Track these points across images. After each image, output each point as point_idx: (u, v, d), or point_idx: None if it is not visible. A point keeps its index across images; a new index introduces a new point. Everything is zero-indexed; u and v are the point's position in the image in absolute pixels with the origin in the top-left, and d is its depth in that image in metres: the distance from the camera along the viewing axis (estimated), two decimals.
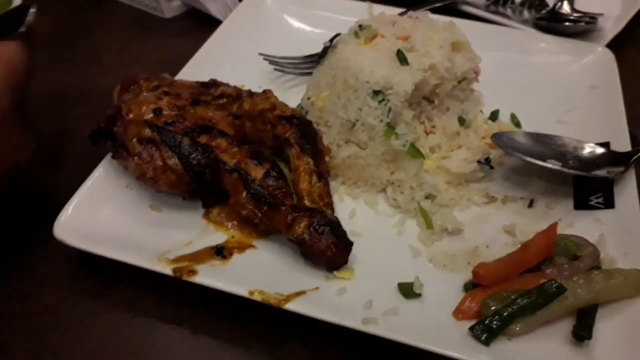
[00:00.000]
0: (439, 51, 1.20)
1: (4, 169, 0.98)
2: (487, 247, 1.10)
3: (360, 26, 1.26)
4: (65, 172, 1.28)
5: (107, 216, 1.10)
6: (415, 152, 1.13)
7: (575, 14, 1.64)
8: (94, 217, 1.08)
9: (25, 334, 1.01)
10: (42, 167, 1.29)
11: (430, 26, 1.26)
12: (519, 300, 0.94)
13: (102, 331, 1.01)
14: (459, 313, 0.97)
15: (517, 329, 0.92)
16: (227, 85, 1.24)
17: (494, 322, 0.92)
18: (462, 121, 1.26)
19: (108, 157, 1.17)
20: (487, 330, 0.92)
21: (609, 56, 1.47)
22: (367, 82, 1.14)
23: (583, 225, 1.11)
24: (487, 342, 0.91)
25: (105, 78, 1.54)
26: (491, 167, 1.22)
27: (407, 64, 1.16)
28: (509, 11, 1.74)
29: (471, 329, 0.93)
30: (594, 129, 1.29)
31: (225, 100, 1.21)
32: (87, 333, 1.01)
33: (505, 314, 0.93)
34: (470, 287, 1.01)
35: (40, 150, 1.32)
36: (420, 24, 1.26)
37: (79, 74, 1.59)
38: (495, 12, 1.72)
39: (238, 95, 1.22)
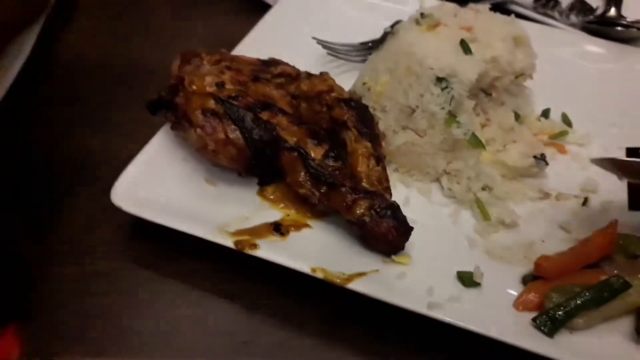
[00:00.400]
0: (501, 44, 1.20)
1: (16, 13, 0.85)
2: (543, 241, 1.09)
3: (422, 14, 1.25)
4: (115, 140, 1.27)
5: (164, 187, 1.09)
6: (476, 141, 1.12)
7: (625, 21, 1.63)
8: (152, 187, 1.07)
9: (75, 296, 1.00)
10: (94, 135, 1.28)
11: (492, 19, 1.26)
12: (584, 293, 0.93)
13: (153, 302, 1.00)
14: (519, 304, 0.96)
15: (581, 322, 0.92)
16: (287, 64, 1.23)
17: (558, 314, 0.92)
18: (517, 116, 1.26)
19: (164, 128, 1.16)
20: (551, 322, 0.91)
21: None
22: (431, 68, 1.13)
23: (638, 226, 1.10)
24: (550, 334, 0.91)
25: (152, 52, 1.53)
26: (546, 164, 1.21)
27: (471, 53, 1.15)
28: (556, 14, 1.73)
29: (534, 319, 0.92)
30: None
31: (283, 79, 1.21)
32: (138, 302, 1.00)
33: (569, 307, 0.92)
34: (529, 279, 1.00)
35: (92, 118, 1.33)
36: (482, 16, 1.26)
37: (125, 46, 1.58)
38: (544, 14, 1.71)
39: (297, 75, 1.22)
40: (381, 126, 1.21)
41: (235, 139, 1.05)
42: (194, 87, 1.10)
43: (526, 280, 1.01)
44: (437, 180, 1.20)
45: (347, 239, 1.05)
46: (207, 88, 1.10)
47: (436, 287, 0.96)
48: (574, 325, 0.92)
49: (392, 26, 1.31)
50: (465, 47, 1.16)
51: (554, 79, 1.44)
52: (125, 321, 0.97)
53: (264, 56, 1.28)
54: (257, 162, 1.08)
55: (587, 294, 0.93)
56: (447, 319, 0.89)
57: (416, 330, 0.95)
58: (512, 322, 0.93)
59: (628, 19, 1.63)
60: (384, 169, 1.12)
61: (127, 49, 1.57)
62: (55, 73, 1.48)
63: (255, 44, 1.42)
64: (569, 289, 0.95)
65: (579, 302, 0.92)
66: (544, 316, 0.92)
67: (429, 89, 1.14)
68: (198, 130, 1.06)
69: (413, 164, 1.20)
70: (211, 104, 1.06)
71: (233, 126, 1.05)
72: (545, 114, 1.35)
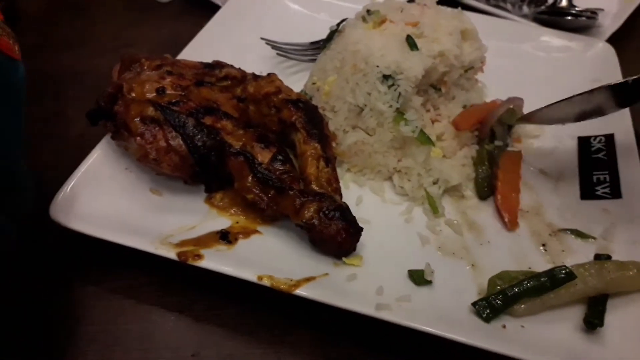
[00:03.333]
0: (448, 38, 1.19)
1: None
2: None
3: (368, 11, 1.24)
4: (60, 154, 1.23)
5: (105, 199, 1.05)
6: (424, 138, 1.11)
7: (575, 10, 1.64)
8: (92, 200, 1.04)
9: (21, 320, 0.96)
10: (35, 149, 1.24)
11: (439, 13, 1.25)
12: (526, 281, 0.94)
13: (102, 318, 0.97)
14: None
15: (522, 309, 0.92)
16: (231, 66, 1.20)
17: (498, 300, 0.92)
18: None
19: (106, 138, 1.13)
20: (489, 307, 0.92)
21: (610, 51, 1.48)
22: (377, 66, 1.12)
23: (590, 215, 1.11)
24: (488, 319, 0.91)
25: (100, 60, 1.49)
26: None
27: (417, 49, 1.14)
28: (508, 5, 1.73)
29: (473, 304, 0.93)
30: (598, 121, 1.27)
31: (229, 82, 1.18)
32: (87, 320, 0.96)
33: (510, 293, 0.93)
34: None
35: (35, 131, 1.28)
36: (429, 11, 1.25)
37: (73, 55, 1.54)
38: (496, 6, 1.72)
39: (242, 77, 1.19)
40: (331, 126, 1.19)
41: (177, 146, 1.02)
42: (133, 94, 1.06)
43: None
44: (390, 178, 1.18)
45: (298, 243, 1.03)
46: (147, 94, 1.06)
47: (387, 288, 0.95)
48: (514, 312, 0.92)
49: (339, 24, 1.28)
50: (411, 43, 1.15)
51: (506, 70, 1.44)
52: (65, 339, 0.94)
53: (213, 59, 1.25)
54: (202, 169, 1.05)
55: (529, 282, 0.93)
56: (395, 319, 0.88)
57: (369, 331, 0.94)
58: (463, 318, 0.92)
59: (577, 8, 1.64)
60: (334, 169, 1.10)
61: (72, 59, 1.52)
62: None
63: (203, 47, 1.39)
64: (512, 276, 0.96)
65: (519, 289, 0.93)
66: (484, 302, 0.92)
67: (376, 87, 1.12)
68: (138, 138, 1.02)
69: (365, 163, 1.18)
70: (150, 111, 1.03)
71: (174, 133, 1.02)
72: None
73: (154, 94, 1.07)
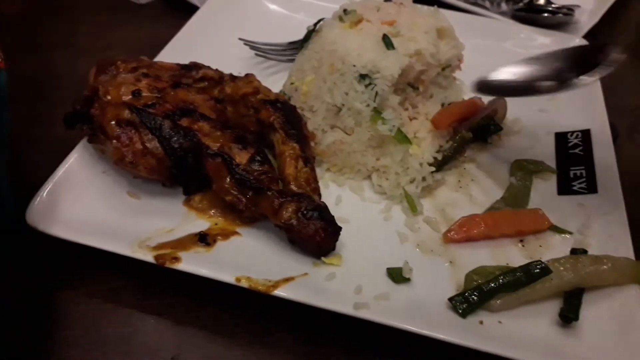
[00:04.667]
0: (424, 37, 1.19)
1: None
2: None
3: (344, 10, 1.24)
4: (38, 157, 1.22)
5: (83, 203, 1.05)
6: (401, 137, 1.12)
7: (551, 6, 1.66)
8: (69, 204, 1.03)
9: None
10: (14, 153, 1.22)
11: (415, 12, 1.26)
12: (502, 277, 0.95)
13: (81, 323, 0.96)
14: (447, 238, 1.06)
15: (498, 304, 0.93)
16: (208, 68, 1.20)
17: (474, 296, 0.93)
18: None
19: (83, 142, 1.12)
20: (465, 302, 0.93)
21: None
22: (354, 65, 1.12)
23: (567, 211, 1.12)
24: (464, 314, 0.92)
25: (78, 63, 1.47)
26: None
27: (394, 48, 1.14)
28: (487, 3, 1.75)
29: (450, 299, 0.94)
30: (575, 117, 1.30)
31: (206, 83, 1.18)
32: (65, 326, 0.95)
33: (486, 288, 0.94)
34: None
35: (13, 135, 1.27)
36: (405, 10, 1.25)
37: (51, 58, 1.52)
38: (474, 4, 1.73)
39: (220, 78, 1.19)
40: (310, 126, 1.19)
41: (154, 148, 1.02)
42: (109, 97, 1.06)
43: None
44: (369, 177, 1.19)
45: (277, 244, 1.03)
46: (123, 97, 1.06)
47: (365, 286, 0.95)
48: (491, 307, 0.93)
49: (316, 24, 1.29)
50: (387, 42, 1.15)
51: (485, 68, 1.43)
52: (44, 345, 0.93)
53: (191, 60, 1.25)
54: (179, 171, 1.05)
55: (504, 277, 0.94)
56: (373, 317, 0.88)
57: (349, 330, 0.94)
58: (441, 315, 0.93)
59: (554, 5, 1.66)
60: (313, 169, 1.11)
61: (49, 62, 1.51)
62: None
63: (181, 48, 1.39)
64: (489, 271, 0.97)
65: (495, 284, 0.94)
66: (460, 297, 0.93)
67: (353, 87, 1.13)
68: (114, 142, 1.02)
69: (344, 163, 1.18)
70: (126, 113, 1.02)
71: (150, 135, 1.02)
72: None
73: (130, 97, 1.06)
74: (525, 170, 1.19)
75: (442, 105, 1.25)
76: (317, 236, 0.98)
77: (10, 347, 0.92)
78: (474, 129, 1.23)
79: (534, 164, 1.20)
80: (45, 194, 1.02)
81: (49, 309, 0.97)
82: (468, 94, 1.35)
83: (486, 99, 1.30)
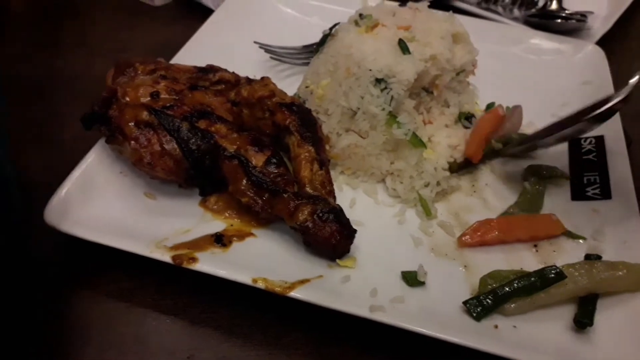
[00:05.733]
0: (440, 42, 1.20)
1: None
2: None
3: (360, 15, 1.25)
4: (55, 157, 1.23)
5: (100, 203, 1.06)
6: (417, 141, 1.12)
7: (564, 12, 1.66)
8: (87, 204, 1.04)
9: (15, 324, 0.96)
10: (31, 152, 1.24)
11: (430, 17, 1.26)
12: (517, 281, 0.95)
13: (98, 323, 0.97)
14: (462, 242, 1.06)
15: (512, 307, 0.94)
16: (225, 70, 1.21)
17: (488, 299, 0.93)
18: (461, 113, 1.26)
19: (100, 142, 1.13)
20: (480, 306, 0.93)
21: (600, 53, 1.49)
22: (370, 70, 1.13)
23: (581, 216, 1.12)
24: (478, 318, 0.93)
25: (93, 64, 1.49)
26: None
27: (409, 53, 1.15)
28: (499, 9, 1.75)
29: (465, 302, 0.94)
30: None
31: (223, 86, 1.19)
32: (82, 325, 0.96)
33: (500, 292, 0.94)
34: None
35: (28, 135, 1.28)
36: (420, 15, 1.26)
37: (66, 59, 1.54)
38: (487, 9, 1.73)
39: (236, 81, 1.20)
40: (325, 129, 1.20)
41: (172, 150, 1.03)
42: (127, 99, 1.07)
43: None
44: (383, 180, 1.19)
45: (292, 246, 1.04)
46: (141, 99, 1.07)
47: (380, 289, 0.96)
48: (505, 311, 0.94)
49: (332, 28, 1.29)
50: (403, 46, 1.16)
51: (498, 73, 1.45)
52: (60, 343, 0.94)
53: (206, 62, 1.26)
54: (197, 173, 1.06)
55: (519, 281, 0.95)
56: (388, 320, 0.89)
57: (364, 332, 0.94)
58: (455, 318, 0.93)
59: (567, 11, 1.66)
60: (328, 172, 1.11)
61: (65, 62, 1.52)
62: None
63: (197, 51, 1.40)
64: (503, 275, 0.97)
65: (510, 289, 0.94)
66: (475, 300, 0.94)
67: (369, 91, 1.13)
68: (132, 142, 1.03)
69: (358, 166, 1.19)
70: (144, 115, 1.04)
71: (168, 137, 1.03)
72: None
73: (148, 98, 1.07)
74: (538, 175, 1.19)
75: (460, 113, 1.26)
76: (332, 239, 0.98)
77: (26, 346, 0.94)
78: (505, 142, 1.23)
79: (547, 170, 1.21)
80: (63, 193, 1.03)
81: (64, 309, 0.98)
82: (481, 99, 1.37)
83: (501, 102, 1.31)
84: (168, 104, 1.07)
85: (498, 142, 1.22)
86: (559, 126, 1.13)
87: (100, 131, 1.11)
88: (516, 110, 1.28)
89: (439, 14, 1.29)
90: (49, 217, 0.99)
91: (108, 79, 1.16)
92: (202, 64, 1.25)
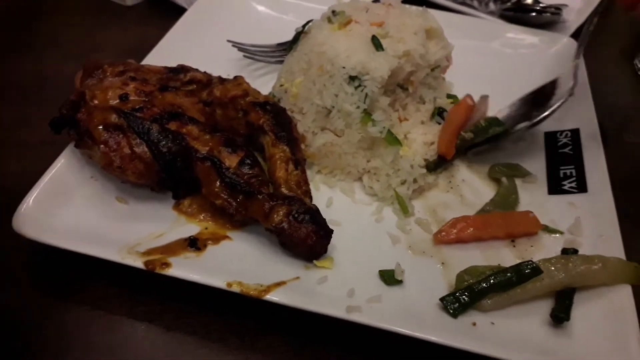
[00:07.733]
0: (413, 38, 1.19)
1: None
2: None
3: (333, 12, 1.23)
4: (24, 162, 1.20)
5: (70, 209, 1.03)
6: (392, 139, 1.11)
7: (539, 6, 1.67)
8: (57, 210, 1.01)
9: None
10: None
11: (404, 13, 1.25)
12: (493, 277, 0.95)
13: (71, 331, 0.94)
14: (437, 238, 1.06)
15: (489, 303, 0.94)
16: (196, 70, 1.19)
17: (464, 295, 0.93)
18: (436, 109, 1.26)
19: (70, 146, 1.11)
20: (456, 302, 0.93)
21: (574, 46, 1.49)
22: (343, 67, 1.12)
23: (558, 210, 1.12)
24: (455, 314, 0.92)
25: (64, 65, 1.45)
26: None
27: (383, 49, 1.14)
28: (475, 3, 1.75)
29: (442, 299, 0.93)
30: (564, 116, 1.30)
31: (194, 86, 1.17)
32: (55, 334, 0.94)
33: (477, 288, 0.94)
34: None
35: None
36: (394, 11, 1.25)
37: (37, 61, 1.50)
38: (462, 3, 1.73)
39: (208, 81, 1.18)
40: (300, 128, 1.19)
41: (142, 153, 1.01)
42: (96, 101, 1.04)
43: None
44: (360, 179, 1.18)
45: (268, 248, 1.03)
46: (110, 101, 1.04)
47: (358, 289, 0.95)
48: (482, 307, 0.93)
49: (304, 26, 1.28)
50: (376, 43, 1.14)
51: (474, 67, 1.45)
52: (35, 353, 0.92)
53: (179, 62, 1.23)
54: (168, 176, 1.04)
55: (495, 277, 0.94)
56: (365, 320, 0.88)
57: (342, 333, 0.93)
58: (433, 317, 0.93)
59: (542, 4, 1.67)
60: (304, 172, 1.10)
61: (36, 64, 1.49)
62: None
63: (169, 50, 1.38)
64: (480, 270, 0.97)
65: (486, 285, 0.94)
66: (451, 297, 0.93)
67: (343, 88, 1.12)
68: (101, 146, 1.00)
69: (335, 165, 1.18)
70: (113, 118, 1.01)
71: (138, 140, 1.01)
72: None
73: (117, 101, 1.05)
74: (502, 174, 1.18)
75: (435, 108, 1.25)
76: (308, 239, 0.97)
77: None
78: (475, 130, 1.22)
79: (508, 168, 1.20)
80: (31, 200, 1.00)
81: (37, 319, 0.96)
82: (458, 93, 1.36)
83: (475, 97, 1.31)
84: (137, 106, 1.04)
85: (468, 132, 1.21)
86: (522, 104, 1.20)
87: (69, 135, 1.08)
88: (483, 99, 1.28)
89: (412, 9, 1.28)
90: (17, 224, 0.97)
91: (77, 81, 1.13)
92: (174, 64, 1.23)
